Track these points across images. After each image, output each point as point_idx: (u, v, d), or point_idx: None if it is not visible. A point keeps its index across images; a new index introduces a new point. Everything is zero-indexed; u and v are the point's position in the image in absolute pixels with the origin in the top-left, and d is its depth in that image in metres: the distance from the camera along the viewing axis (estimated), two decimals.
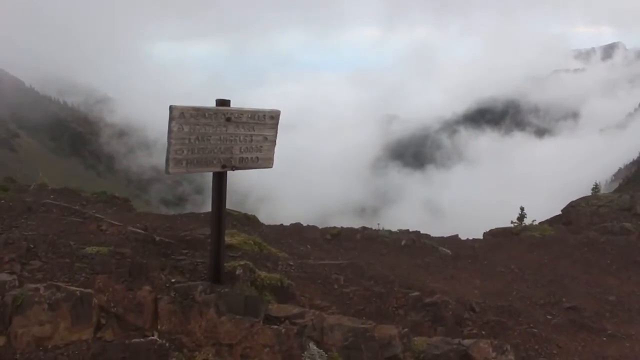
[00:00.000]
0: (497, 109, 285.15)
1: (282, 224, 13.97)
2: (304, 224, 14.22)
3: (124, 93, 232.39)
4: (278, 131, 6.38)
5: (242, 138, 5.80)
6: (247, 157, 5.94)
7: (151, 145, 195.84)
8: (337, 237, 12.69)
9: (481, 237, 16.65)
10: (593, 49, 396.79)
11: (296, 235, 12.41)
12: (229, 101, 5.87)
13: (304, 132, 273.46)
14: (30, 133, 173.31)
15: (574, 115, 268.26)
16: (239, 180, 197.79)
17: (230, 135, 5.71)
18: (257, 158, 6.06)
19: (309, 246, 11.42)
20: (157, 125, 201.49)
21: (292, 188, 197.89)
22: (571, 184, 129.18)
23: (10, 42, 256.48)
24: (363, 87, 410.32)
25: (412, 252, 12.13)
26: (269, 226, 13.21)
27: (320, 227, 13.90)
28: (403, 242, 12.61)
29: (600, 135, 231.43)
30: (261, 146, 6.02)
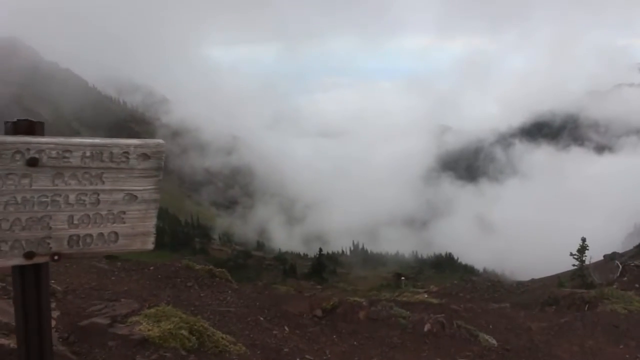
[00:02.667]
0: (554, 123, 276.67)
1: (257, 287, 10.83)
2: (287, 293, 11.10)
3: (180, 95, 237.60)
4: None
5: (74, 199, 2.90)
6: (89, 235, 2.99)
7: (204, 147, 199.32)
8: (332, 315, 9.45)
9: (538, 307, 13.56)
10: None
11: (273, 308, 9.30)
12: (37, 124, 3.00)
13: (356, 140, 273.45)
14: (91, 132, 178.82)
15: (638, 132, 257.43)
16: (286, 184, 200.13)
17: (42, 193, 2.84)
18: (115, 235, 3.07)
19: (286, 328, 8.49)
20: (210, 127, 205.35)
21: (343, 195, 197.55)
22: (634, 205, 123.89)
23: (75, 42, 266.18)
24: (417, 96, 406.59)
25: (440, 344, 8.90)
26: (239, 290, 10.20)
27: (308, 297, 10.74)
28: (427, 328, 9.24)
29: None
30: (123, 212, 3.07)
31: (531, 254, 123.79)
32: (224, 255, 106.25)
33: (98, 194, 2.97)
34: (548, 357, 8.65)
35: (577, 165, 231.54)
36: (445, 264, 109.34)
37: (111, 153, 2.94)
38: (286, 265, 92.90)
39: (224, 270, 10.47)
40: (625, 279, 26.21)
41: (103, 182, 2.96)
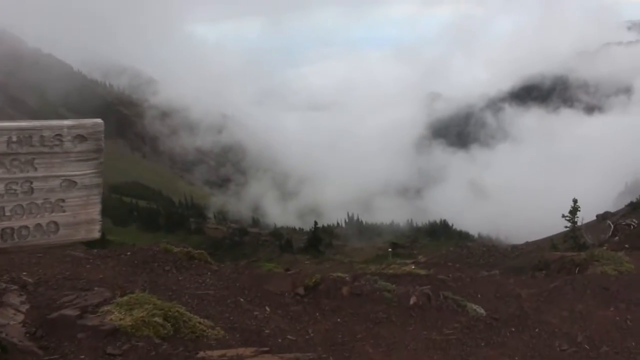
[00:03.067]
0: (544, 86, 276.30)
1: (238, 268, 10.47)
2: (269, 271, 10.60)
3: (166, 74, 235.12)
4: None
5: (3, 189, 2.69)
6: (25, 227, 2.79)
7: (194, 126, 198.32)
8: (314, 292, 9.09)
9: (529, 272, 13.22)
10: None
11: (254, 288, 8.97)
12: None
13: (345, 111, 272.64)
14: (78, 116, 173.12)
15: (627, 91, 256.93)
16: (278, 159, 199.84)
17: None
18: (55, 225, 2.92)
19: (267, 309, 8.16)
20: (199, 106, 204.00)
21: (334, 168, 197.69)
22: (625, 165, 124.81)
23: (57, 27, 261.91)
24: (405, 64, 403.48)
25: (426, 317, 8.57)
26: (219, 272, 9.81)
27: (291, 274, 10.27)
28: (412, 301, 8.94)
29: None
30: (62, 200, 2.92)
31: (525, 217, 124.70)
32: (220, 234, 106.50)
33: (31, 182, 2.76)
34: (537, 323, 8.41)
35: (567, 126, 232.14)
36: (440, 231, 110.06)
37: (42, 136, 2.74)
38: (282, 240, 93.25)
39: (203, 251, 9.96)
40: (617, 238, 26.42)
41: (35, 169, 2.76)
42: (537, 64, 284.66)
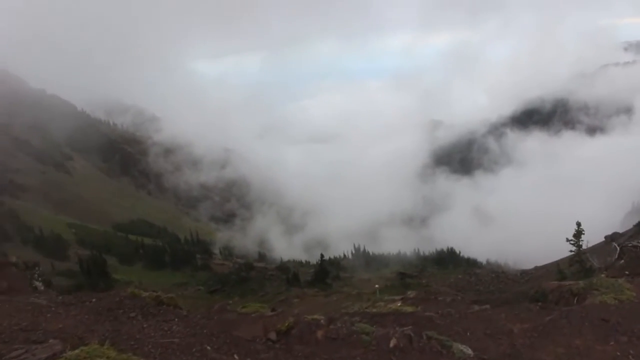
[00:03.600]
0: (544, 109, 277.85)
1: (209, 312, 10.20)
2: (241, 316, 10.13)
3: (169, 111, 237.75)
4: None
5: None
6: None
7: (198, 162, 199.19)
8: (287, 337, 8.62)
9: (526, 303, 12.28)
10: None
11: (223, 334, 8.42)
12: None
13: (347, 142, 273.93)
14: (83, 155, 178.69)
15: (627, 111, 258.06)
16: (283, 192, 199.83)
17: None
18: None
19: (236, 357, 7.68)
20: (202, 142, 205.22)
21: (340, 199, 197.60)
22: (630, 184, 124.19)
23: (60, 67, 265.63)
24: (406, 93, 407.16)
25: None
26: (188, 317, 9.40)
27: (265, 318, 9.71)
28: (392, 343, 8.36)
29: None
30: None
31: (532, 242, 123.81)
32: (227, 270, 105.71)
33: None
34: None
35: (570, 149, 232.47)
36: (448, 259, 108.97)
37: None
38: (289, 274, 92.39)
39: (173, 296, 9.78)
40: (622, 261, 26.16)
41: None
42: (537, 88, 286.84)
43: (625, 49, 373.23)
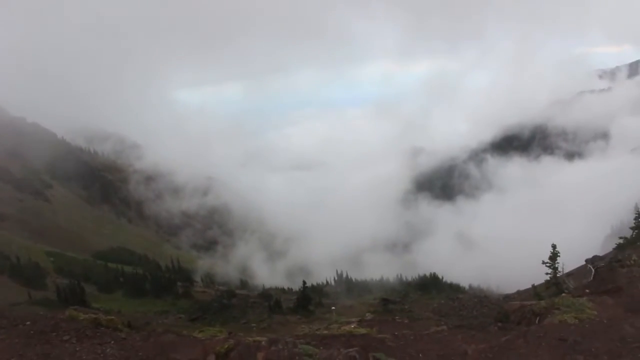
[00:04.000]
0: (524, 135, 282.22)
1: (150, 335, 9.71)
2: (178, 337, 9.66)
3: (151, 139, 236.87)
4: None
5: None
6: None
7: (179, 190, 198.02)
8: (226, 359, 8.28)
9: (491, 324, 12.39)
10: (618, 68, 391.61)
11: (159, 357, 8.12)
12: None
13: (329, 169, 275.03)
14: (63, 183, 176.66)
15: (604, 136, 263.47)
16: (265, 219, 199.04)
17: None
18: None
19: None
20: (184, 169, 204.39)
21: (322, 225, 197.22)
22: (609, 208, 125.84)
23: (41, 95, 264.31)
24: (387, 120, 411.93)
25: None
26: (126, 340, 9.07)
27: (202, 342, 9.26)
28: None
29: (632, 154, 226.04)
30: None
31: (515, 266, 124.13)
32: (208, 297, 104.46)
33: None
34: None
35: (549, 174, 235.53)
36: (431, 285, 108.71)
37: None
38: (271, 301, 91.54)
39: (113, 318, 9.29)
40: (589, 281, 26.39)
41: None
42: (516, 115, 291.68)
43: (600, 77, 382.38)
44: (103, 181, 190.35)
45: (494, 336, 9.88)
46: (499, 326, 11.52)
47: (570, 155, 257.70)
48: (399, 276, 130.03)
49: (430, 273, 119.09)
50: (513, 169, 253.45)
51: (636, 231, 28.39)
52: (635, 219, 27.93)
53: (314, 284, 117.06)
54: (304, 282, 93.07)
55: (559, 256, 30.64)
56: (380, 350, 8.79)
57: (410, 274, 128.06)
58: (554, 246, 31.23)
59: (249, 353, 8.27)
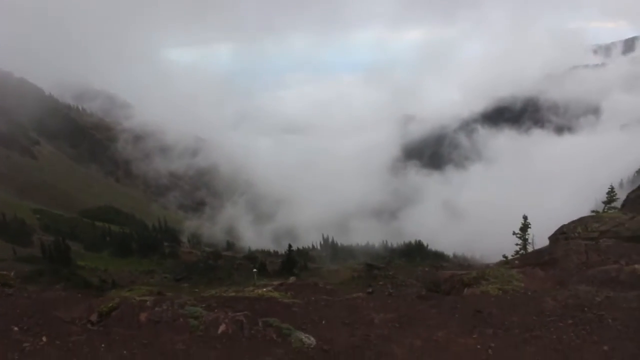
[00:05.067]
0: (515, 107, 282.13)
1: (39, 294, 9.36)
2: (63, 295, 9.28)
3: (140, 98, 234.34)
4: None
5: None
6: None
7: (168, 150, 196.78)
8: (108, 319, 7.98)
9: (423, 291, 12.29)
10: (613, 44, 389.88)
11: (38, 314, 7.78)
12: None
13: (321, 133, 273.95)
14: (50, 140, 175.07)
15: (595, 111, 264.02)
16: (253, 182, 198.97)
17: None
18: None
19: (44, 339, 7.15)
20: (173, 129, 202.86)
21: (311, 190, 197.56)
22: (593, 181, 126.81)
23: (29, 50, 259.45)
24: (379, 87, 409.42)
25: (234, 348, 7.37)
26: (11, 296, 8.87)
27: (89, 299, 8.88)
28: (221, 329, 7.75)
29: (622, 130, 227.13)
30: None
31: (500, 237, 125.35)
32: (194, 258, 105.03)
33: None
34: (377, 356, 7.32)
35: (539, 146, 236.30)
36: (416, 252, 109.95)
37: None
38: (256, 263, 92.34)
39: (4, 273, 8.96)
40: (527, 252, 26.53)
41: None
42: (508, 86, 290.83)
43: (595, 52, 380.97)
44: (91, 139, 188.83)
45: (409, 305, 9.71)
46: (419, 295, 11.47)
47: (560, 129, 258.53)
48: (385, 242, 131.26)
49: (416, 240, 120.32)
50: (503, 141, 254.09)
51: (607, 205, 28.66)
52: (607, 193, 28.12)
53: (300, 247, 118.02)
54: (290, 246, 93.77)
55: (530, 227, 31.03)
56: (281, 315, 8.68)
57: (396, 241, 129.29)
58: (525, 217, 31.78)
59: (132, 313, 8.13)
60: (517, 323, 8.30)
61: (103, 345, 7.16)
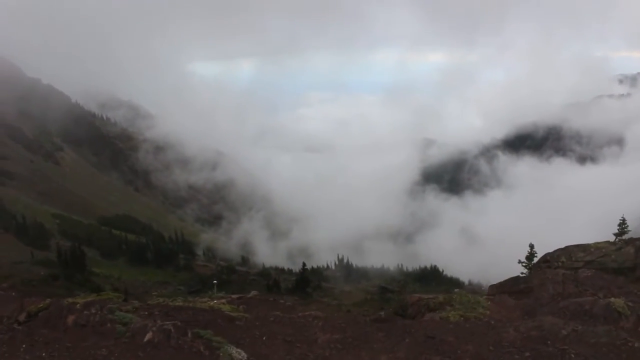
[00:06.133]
0: (537, 135, 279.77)
1: None
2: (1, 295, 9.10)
3: (163, 110, 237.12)
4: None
5: None
6: None
7: (188, 162, 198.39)
8: (35, 320, 7.93)
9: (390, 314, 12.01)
10: (639, 74, 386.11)
11: None
12: None
13: (340, 153, 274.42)
14: (73, 147, 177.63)
15: (619, 142, 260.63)
16: (271, 198, 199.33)
17: None
18: None
19: None
20: (194, 142, 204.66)
21: (327, 209, 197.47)
22: (614, 212, 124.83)
23: (57, 58, 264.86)
24: (400, 109, 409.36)
25: (156, 357, 7.21)
26: None
27: (21, 299, 8.75)
28: (147, 337, 7.52)
29: None
30: None
31: (516, 265, 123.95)
32: (209, 272, 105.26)
33: None
34: None
35: (560, 175, 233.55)
36: (430, 277, 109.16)
37: None
38: (270, 280, 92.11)
39: None
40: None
41: None
42: (531, 114, 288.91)
43: (620, 82, 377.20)
44: (113, 148, 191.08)
45: (360, 327, 9.33)
46: (374, 318, 11.07)
47: (583, 159, 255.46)
48: (400, 266, 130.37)
49: (431, 265, 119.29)
50: (523, 168, 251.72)
51: (618, 238, 28.03)
52: (619, 225, 27.53)
53: (314, 266, 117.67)
54: (304, 264, 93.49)
55: (536, 256, 30.60)
56: (221, 328, 8.43)
57: (411, 265, 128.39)
58: (531, 246, 31.29)
59: (60, 315, 7.96)
60: (470, 353, 7.87)
61: (24, 346, 7.02)
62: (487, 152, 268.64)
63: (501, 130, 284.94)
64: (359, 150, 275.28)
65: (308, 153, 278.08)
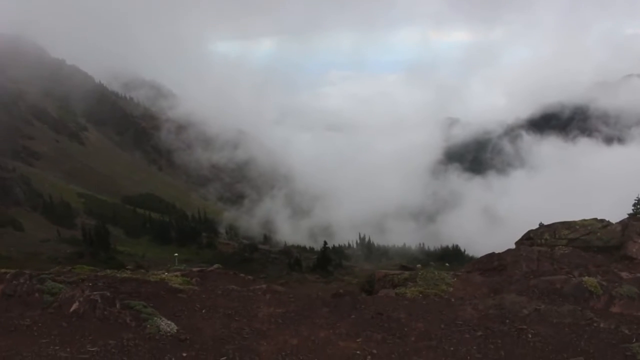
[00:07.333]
0: (563, 115, 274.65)
1: None
2: None
3: (185, 89, 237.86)
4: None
5: None
6: None
7: (210, 141, 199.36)
8: None
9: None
10: None
11: None
12: None
13: (362, 131, 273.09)
14: (97, 127, 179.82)
15: None
16: (292, 177, 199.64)
17: None
18: None
19: None
20: (216, 121, 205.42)
21: (349, 188, 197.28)
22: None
23: (82, 39, 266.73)
24: (423, 87, 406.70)
25: (79, 328, 7.05)
26: None
27: None
28: (73, 308, 7.44)
29: None
30: None
31: None
32: (231, 249, 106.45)
33: None
34: (240, 351, 6.84)
35: (585, 156, 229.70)
36: (452, 257, 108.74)
37: None
38: (291, 259, 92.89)
39: None
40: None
41: None
42: (557, 93, 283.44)
43: None
44: (136, 128, 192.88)
45: (306, 302, 9.16)
46: (332, 294, 10.95)
47: (610, 140, 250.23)
48: (421, 245, 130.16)
49: (453, 245, 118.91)
50: (548, 148, 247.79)
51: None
52: (634, 205, 26.85)
53: (336, 245, 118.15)
54: (325, 243, 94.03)
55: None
56: (161, 300, 8.27)
57: (433, 245, 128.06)
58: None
59: None
60: (419, 331, 7.65)
61: None
62: (511, 131, 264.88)
63: (526, 110, 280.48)
64: (381, 129, 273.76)
65: (329, 132, 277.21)
